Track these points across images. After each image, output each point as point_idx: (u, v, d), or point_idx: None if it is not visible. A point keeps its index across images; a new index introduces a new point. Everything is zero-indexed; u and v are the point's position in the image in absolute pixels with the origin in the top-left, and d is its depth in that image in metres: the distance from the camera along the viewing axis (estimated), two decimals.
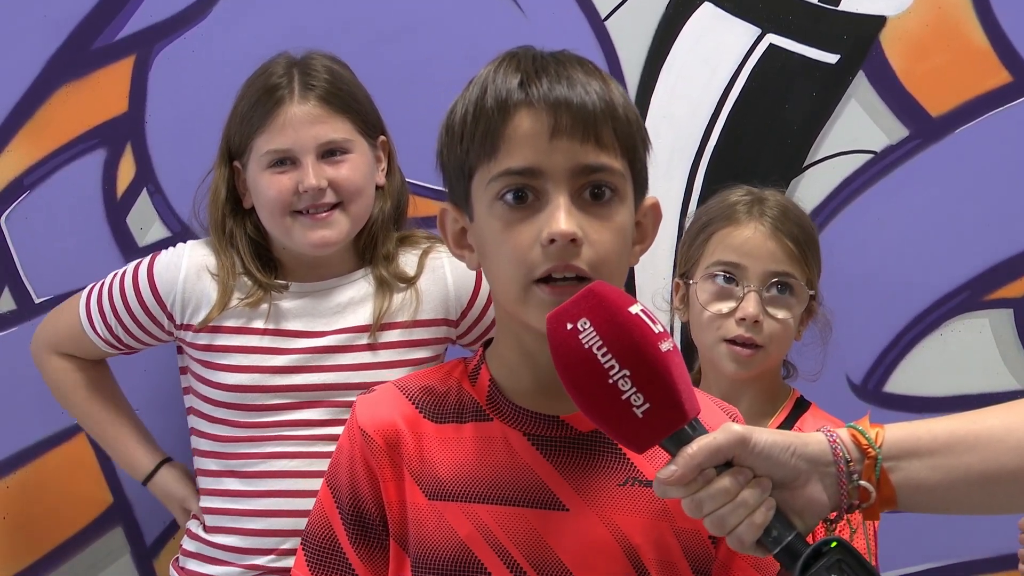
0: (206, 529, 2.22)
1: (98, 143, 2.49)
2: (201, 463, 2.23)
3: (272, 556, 2.16)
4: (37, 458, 2.49)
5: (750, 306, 2.11)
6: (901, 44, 2.55)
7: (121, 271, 2.23)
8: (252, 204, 2.18)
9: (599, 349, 1.27)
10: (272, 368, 2.16)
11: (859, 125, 2.56)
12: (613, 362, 1.26)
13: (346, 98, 2.16)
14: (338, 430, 2.09)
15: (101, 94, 2.49)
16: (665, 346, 1.28)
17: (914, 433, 1.32)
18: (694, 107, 2.55)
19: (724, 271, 2.14)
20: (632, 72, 2.54)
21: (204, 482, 2.23)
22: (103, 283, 2.24)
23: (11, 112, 2.47)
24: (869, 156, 2.57)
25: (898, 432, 1.32)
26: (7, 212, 2.48)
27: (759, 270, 2.12)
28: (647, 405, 1.27)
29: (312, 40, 2.33)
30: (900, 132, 2.57)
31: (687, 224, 2.28)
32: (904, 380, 2.57)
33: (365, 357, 2.16)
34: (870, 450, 1.30)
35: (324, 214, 2.12)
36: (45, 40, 2.47)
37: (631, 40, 2.54)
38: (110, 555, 2.51)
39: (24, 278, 2.49)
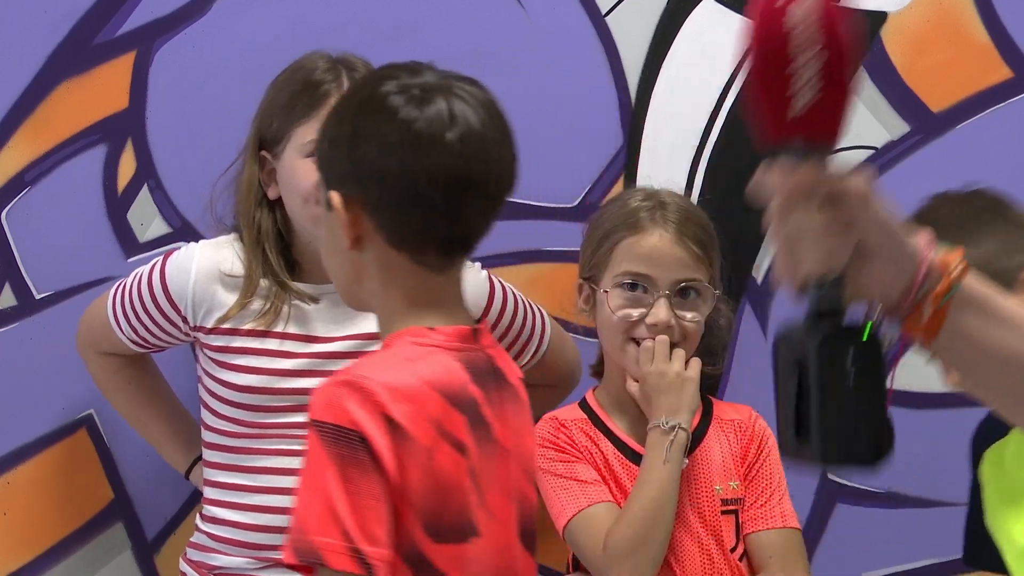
0: (207, 519, 2.24)
1: (99, 139, 2.51)
2: (207, 455, 2.26)
3: (273, 551, 2.16)
4: (38, 454, 2.51)
5: (661, 312, 2.18)
6: (902, 39, 2.57)
7: (139, 273, 2.25)
8: (278, 195, 2.20)
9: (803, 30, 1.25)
10: (281, 371, 2.18)
11: (860, 121, 2.56)
12: (811, 46, 1.24)
13: None
14: None
15: (102, 90, 2.50)
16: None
17: (990, 294, 1.34)
18: (695, 102, 2.57)
19: (633, 280, 2.20)
20: (633, 68, 2.56)
21: (208, 473, 2.26)
22: (125, 284, 2.26)
23: (12, 108, 2.48)
24: (870, 152, 2.59)
25: (977, 283, 1.33)
26: (8, 208, 2.49)
27: (667, 278, 2.19)
28: (819, 94, 1.24)
29: (314, 36, 2.35)
30: (901, 128, 2.59)
31: (588, 226, 2.33)
32: (905, 376, 2.56)
33: None
34: (951, 278, 1.31)
35: None
36: (45, 36, 2.48)
37: (632, 36, 2.56)
38: (111, 551, 2.53)
39: (24, 274, 2.50)
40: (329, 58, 2.21)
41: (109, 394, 2.38)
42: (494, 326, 2.28)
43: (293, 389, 2.17)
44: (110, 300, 2.27)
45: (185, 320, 2.20)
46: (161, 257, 2.25)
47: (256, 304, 2.19)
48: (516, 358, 2.31)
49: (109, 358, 2.33)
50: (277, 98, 2.21)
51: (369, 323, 2.19)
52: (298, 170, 2.16)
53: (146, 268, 2.25)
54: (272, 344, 2.19)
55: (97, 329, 2.30)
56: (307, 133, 2.14)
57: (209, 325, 2.19)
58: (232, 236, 2.25)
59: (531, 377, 2.39)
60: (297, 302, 2.20)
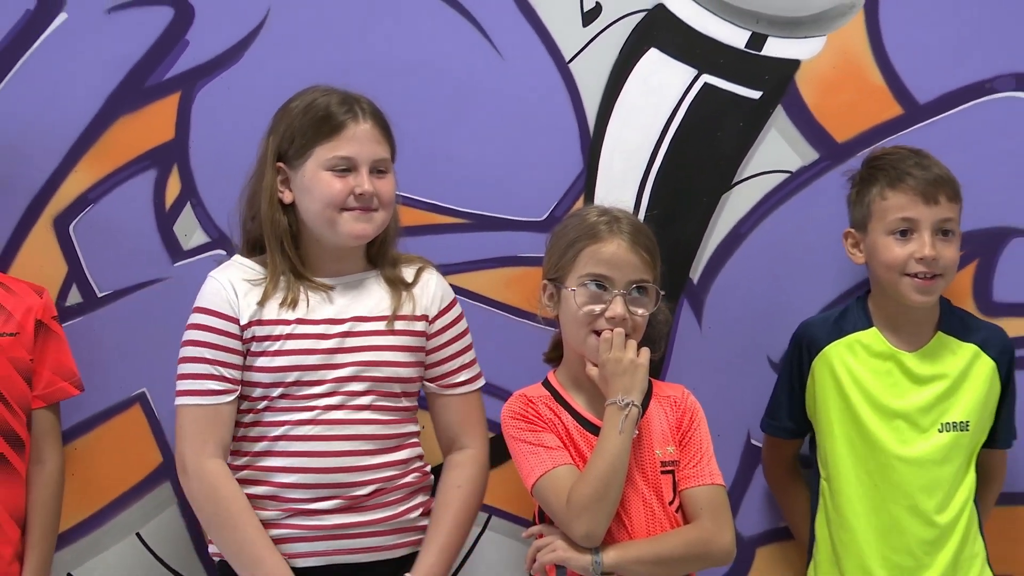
0: (245, 483, 2.38)
1: (150, 164, 2.69)
2: (243, 431, 2.41)
3: (301, 504, 2.36)
4: (100, 425, 2.68)
5: (618, 308, 2.37)
6: (813, 83, 2.77)
7: (185, 339, 2.37)
8: (291, 200, 2.39)
9: None
10: (305, 351, 2.37)
11: (778, 150, 2.78)
12: None
13: (389, 128, 2.45)
14: (361, 400, 2.37)
15: (152, 124, 2.69)
16: None
17: None
18: (643, 135, 2.76)
19: (595, 280, 2.38)
20: (591, 105, 2.75)
21: (242, 446, 2.40)
22: (180, 367, 2.37)
23: (78, 139, 2.67)
24: (786, 175, 2.77)
25: None
26: (75, 222, 2.68)
27: (623, 279, 2.39)
28: None
29: (329, 78, 2.49)
30: (811, 155, 2.79)
31: (551, 238, 2.47)
32: None
33: (387, 340, 2.42)
34: None
35: (369, 213, 2.39)
36: (104, 80, 2.68)
37: (591, 79, 2.75)
38: (160, 505, 2.71)
39: (89, 276, 2.69)
40: (336, 91, 2.41)
41: (228, 509, 2.33)
42: (446, 328, 2.48)
43: (317, 366, 2.36)
44: (180, 397, 2.36)
45: (237, 322, 2.36)
46: (191, 313, 2.36)
47: (279, 295, 2.37)
48: (455, 371, 2.51)
49: (221, 463, 2.35)
50: (297, 122, 2.37)
51: (371, 306, 2.41)
52: (321, 180, 2.36)
53: (187, 333, 2.37)
54: (293, 329, 2.36)
55: (193, 428, 2.35)
56: (331, 150, 2.35)
57: (244, 321, 2.37)
58: (234, 258, 2.42)
59: (456, 432, 2.54)
60: (312, 291, 2.37)
